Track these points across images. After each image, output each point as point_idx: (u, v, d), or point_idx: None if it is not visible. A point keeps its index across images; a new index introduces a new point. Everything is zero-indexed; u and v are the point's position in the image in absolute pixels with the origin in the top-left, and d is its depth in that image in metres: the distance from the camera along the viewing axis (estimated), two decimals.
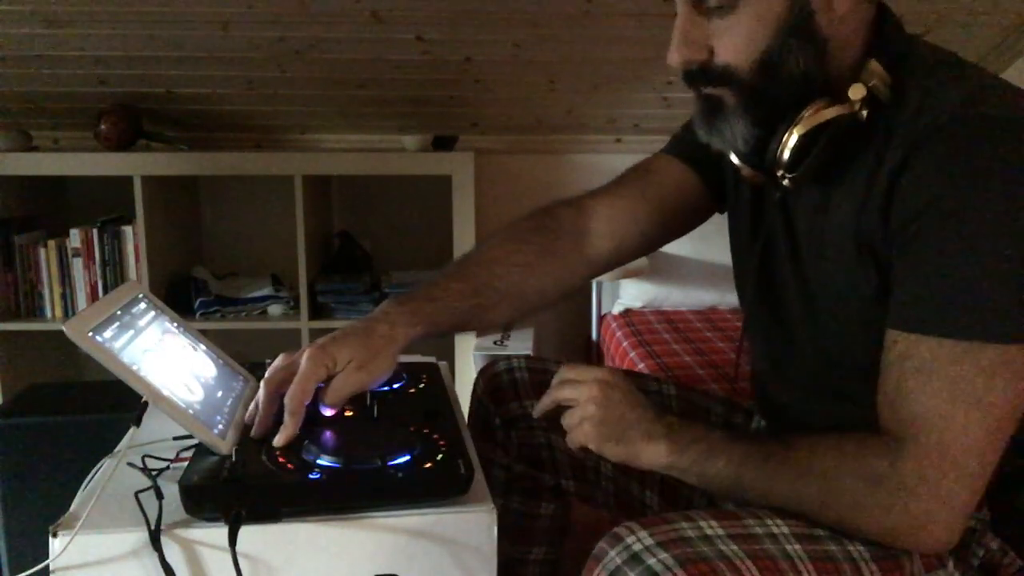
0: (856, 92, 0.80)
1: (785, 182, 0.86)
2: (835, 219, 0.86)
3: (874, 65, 0.81)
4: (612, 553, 0.74)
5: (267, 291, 2.55)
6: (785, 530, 0.78)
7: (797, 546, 0.77)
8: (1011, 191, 0.73)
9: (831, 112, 0.81)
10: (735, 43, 0.81)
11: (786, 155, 0.83)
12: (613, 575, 0.72)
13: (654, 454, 0.86)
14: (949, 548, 0.78)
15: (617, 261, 1.12)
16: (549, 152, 2.79)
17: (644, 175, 1.11)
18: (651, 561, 0.71)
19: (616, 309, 2.65)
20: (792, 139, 0.82)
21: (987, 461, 0.75)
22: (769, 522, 0.79)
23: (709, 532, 0.75)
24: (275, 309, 2.53)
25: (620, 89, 2.52)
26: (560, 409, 0.94)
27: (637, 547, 0.73)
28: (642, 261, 2.38)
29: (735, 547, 0.74)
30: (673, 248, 2.58)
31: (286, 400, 0.87)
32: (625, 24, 2.18)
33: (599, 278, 2.36)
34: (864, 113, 0.81)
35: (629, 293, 2.63)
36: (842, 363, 0.90)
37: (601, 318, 2.63)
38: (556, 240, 1.08)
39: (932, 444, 0.74)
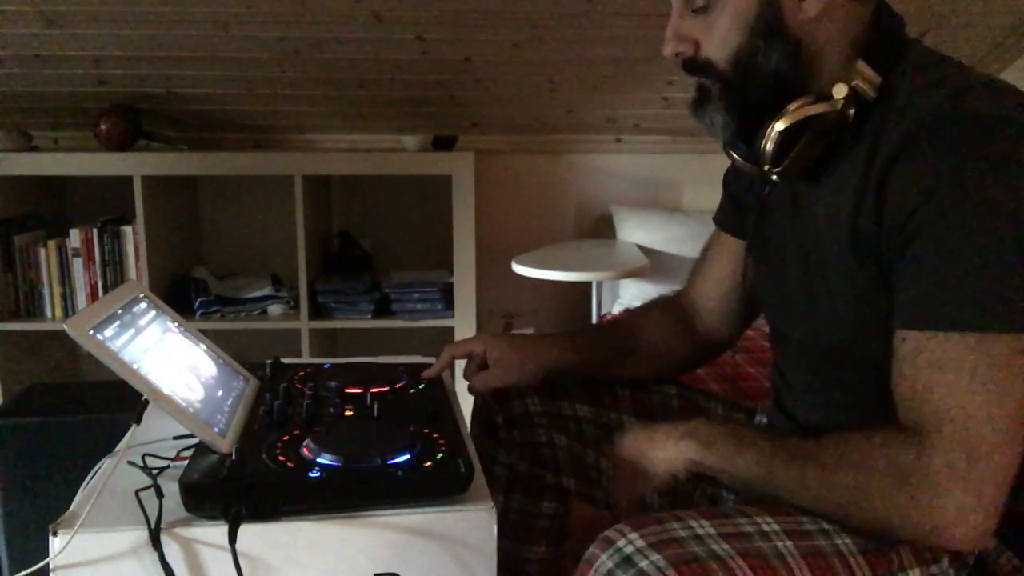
0: (839, 91, 0.84)
1: (773, 177, 0.89)
2: (832, 216, 0.87)
3: (861, 65, 0.84)
4: (604, 557, 0.74)
5: (267, 291, 2.55)
6: (776, 527, 0.78)
7: (788, 543, 0.77)
8: (1003, 181, 0.74)
9: (813, 109, 0.84)
10: (713, 40, 0.88)
11: (769, 147, 0.86)
12: None
13: (684, 449, 0.88)
14: (985, 544, 0.77)
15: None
16: (549, 152, 2.79)
17: (711, 255, 1.19)
18: (643, 564, 0.71)
19: (616, 309, 2.65)
20: (773, 133, 0.86)
21: (1013, 452, 0.74)
22: (759, 519, 0.79)
23: (700, 532, 0.75)
24: (275, 309, 2.53)
25: (620, 89, 2.52)
26: None
27: (629, 549, 0.73)
28: (643, 260, 2.38)
29: (726, 546, 0.74)
30: (672, 248, 2.58)
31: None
32: (625, 24, 2.18)
33: (599, 278, 2.37)
34: (851, 112, 0.84)
35: (629, 293, 2.64)
36: (842, 357, 0.91)
37: (601, 318, 2.63)
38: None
39: (957, 437, 0.74)
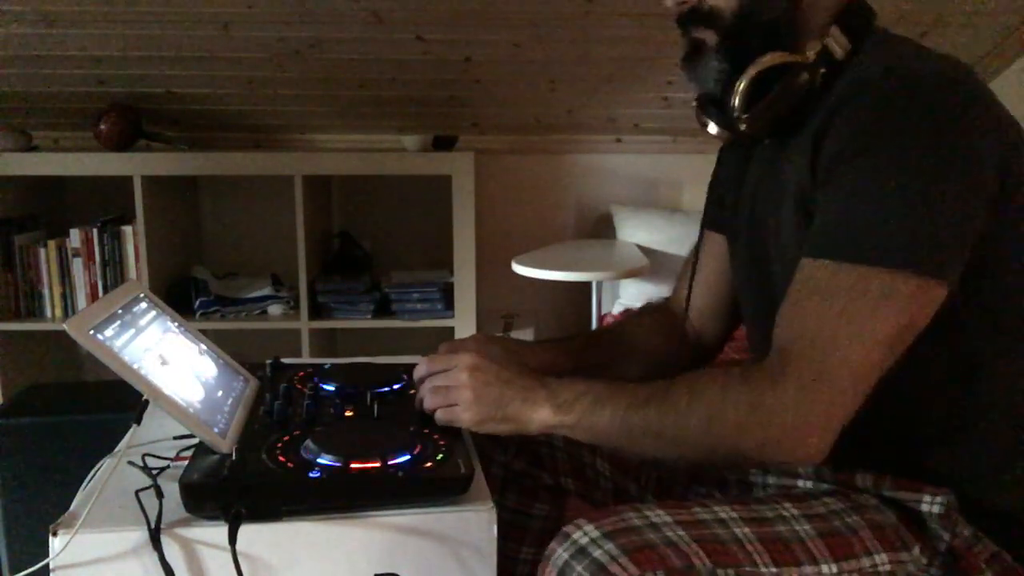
0: (811, 47, 0.88)
1: (743, 126, 0.91)
2: (790, 177, 0.90)
3: (834, 30, 0.88)
4: (560, 550, 0.75)
5: (267, 291, 2.55)
6: (733, 515, 0.80)
7: (746, 529, 0.78)
8: (919, 134, 0.77)
9: (783, 58, 0.88)
10: None
11: (737, 101, 0.90)
12: (562, 571, 0.73)
13: (541, 418, 0.91)
14: (819, 460, 0.81)
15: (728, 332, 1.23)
16: (549, 152, 2.79)
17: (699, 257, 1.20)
18: (596, 553, 0.72)
19: (616, 308, 2.65)
20: (744, 81, 0.89)
21: (863, 384, 0.79)
22: (716, 508, 0.80)
23: (656, 520, 0.76)
24: (275, 309, 2.53)
25: (620, 89, 2.52)
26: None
27: (583, 540, 0.74)
28: (643, 260, 2.38)
29: (682, 532, 0.75)
30: (672, 248, 2.59)
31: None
32: (625, 24, 2.18)
33: (599, 278, 2.37)
34: (821, 72, 0.87)
35: (629, 292, 2.64)
36: None
37: (601, 318, 2.63)
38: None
39: (815, 361, 0.78)
